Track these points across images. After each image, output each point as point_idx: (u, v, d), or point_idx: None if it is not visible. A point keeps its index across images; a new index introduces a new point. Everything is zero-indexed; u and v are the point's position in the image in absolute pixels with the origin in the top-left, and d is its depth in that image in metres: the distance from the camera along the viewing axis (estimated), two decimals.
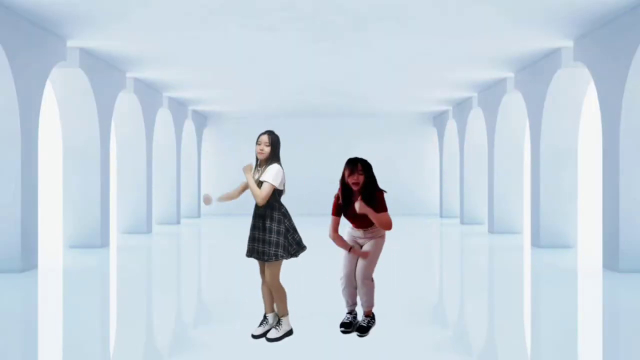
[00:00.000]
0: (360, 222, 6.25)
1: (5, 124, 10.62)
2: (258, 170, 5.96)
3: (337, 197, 6.23)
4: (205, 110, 24.47)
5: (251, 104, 22.67)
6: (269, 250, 5.86)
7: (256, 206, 5.92)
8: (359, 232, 6.38)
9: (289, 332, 6.11)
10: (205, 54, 13.65)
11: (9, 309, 7.61)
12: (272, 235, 5.86)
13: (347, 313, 6.53)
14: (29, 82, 10.94)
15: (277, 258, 5.86)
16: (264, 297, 6.16)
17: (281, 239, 5.86)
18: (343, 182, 6.18)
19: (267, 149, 5.84)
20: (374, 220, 6.03)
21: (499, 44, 12.71)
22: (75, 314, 7.24)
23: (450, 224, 21.60)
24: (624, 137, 10.73)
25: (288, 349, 5.74)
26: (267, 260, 5.88)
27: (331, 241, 6.01)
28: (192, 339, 6.10)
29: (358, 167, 6.08)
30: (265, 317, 6.19)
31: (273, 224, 5.88)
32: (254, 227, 5.95)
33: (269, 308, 6.17)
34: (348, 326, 6.34)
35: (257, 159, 5.98)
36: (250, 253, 6.00)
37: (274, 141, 5.89)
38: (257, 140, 5.88)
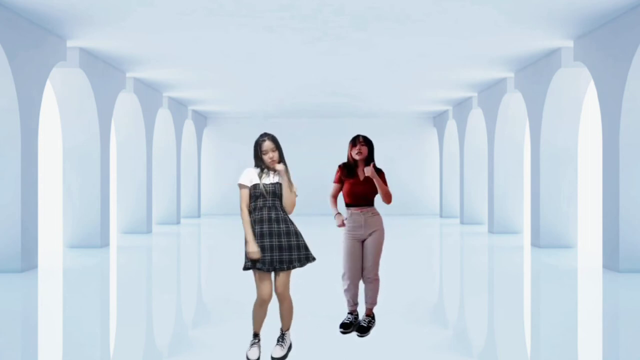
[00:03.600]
0: (360, 199, 6.27)
1: (5, 124, 10.62)
2: (267, 174, 5.36)
3: (341, 167, 6.39)
4: (205, 110, 24.48)
5: (251, 104, 22.67)
6: (300, 255, 5.31)
7: (269, 209, 5.29)
8: (357, 217, 6.29)
9: (290, 347, 5.55)
10: (205, 54, 13.65)
11: (9, 309, 7.61)
12: (299, 238, 5.34)
13: (348, 313, 6.48)
14: (29, 82, 10.94)
15: (309, 260, 5.34)
16: (258, 315, 5.37)
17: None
18: (348, 161, 6.44)
19: (276, 155, 5.32)
20: (379, 188, 6.19)
21: (499, 44, 12.71)
22: (75, 314, 7.24)
23: (450, 224, 21.60)
24: (623, 137, 10.73)
25: (292, 350, 5.73)
26: (298, 266, 5.31)
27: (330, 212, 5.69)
28: (192, 339, 6.10)
29: (359, 138, 6.29)
30: (257, 336, 5.42)
31: (294, 226, 5.39)
32: (275, 235, 5.26)
33: (260, 326, 5.44)
34: (347, 327, 6.32)
35: (260, 165, 5.39)
36: (274, 265, 5.24)
37: (278, 143, 5.39)
38: (262, 149, 5.32)
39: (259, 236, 5.25)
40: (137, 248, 14.20)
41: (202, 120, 25.91)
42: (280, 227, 5.28)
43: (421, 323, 6.80)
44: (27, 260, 10.86)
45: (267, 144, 5.31)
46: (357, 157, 6.27)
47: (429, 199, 27.18)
